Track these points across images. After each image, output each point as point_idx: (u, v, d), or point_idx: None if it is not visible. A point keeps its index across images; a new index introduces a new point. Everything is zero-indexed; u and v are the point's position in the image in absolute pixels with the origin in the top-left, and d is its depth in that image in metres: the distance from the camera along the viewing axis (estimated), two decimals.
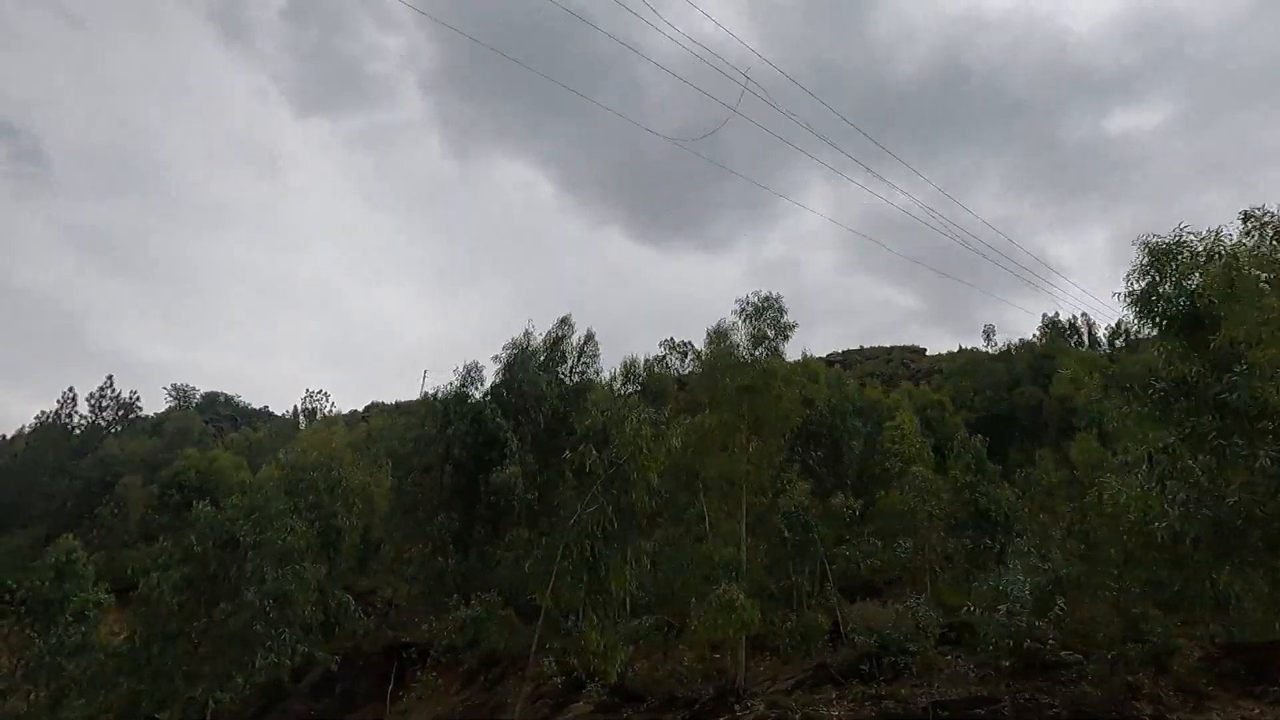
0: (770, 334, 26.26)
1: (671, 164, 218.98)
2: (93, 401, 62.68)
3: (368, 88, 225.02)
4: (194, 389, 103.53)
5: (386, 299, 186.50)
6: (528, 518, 31.32)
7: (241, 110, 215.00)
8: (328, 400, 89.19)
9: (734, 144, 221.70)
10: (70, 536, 30.81)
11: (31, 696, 24.97)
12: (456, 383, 36.92)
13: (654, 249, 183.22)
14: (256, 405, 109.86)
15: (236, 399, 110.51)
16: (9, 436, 75.73)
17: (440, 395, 36.96)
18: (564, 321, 38.10)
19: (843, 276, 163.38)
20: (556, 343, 38.02)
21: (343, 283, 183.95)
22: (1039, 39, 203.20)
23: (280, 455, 42.40)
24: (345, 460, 37.24)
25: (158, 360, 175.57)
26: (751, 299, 26.61)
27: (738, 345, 26.50)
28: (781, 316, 26.41)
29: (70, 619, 26.07)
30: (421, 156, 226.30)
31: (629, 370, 40.98)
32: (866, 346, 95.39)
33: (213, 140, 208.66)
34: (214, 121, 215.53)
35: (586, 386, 37.91)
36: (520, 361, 36.84)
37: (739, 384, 25.30)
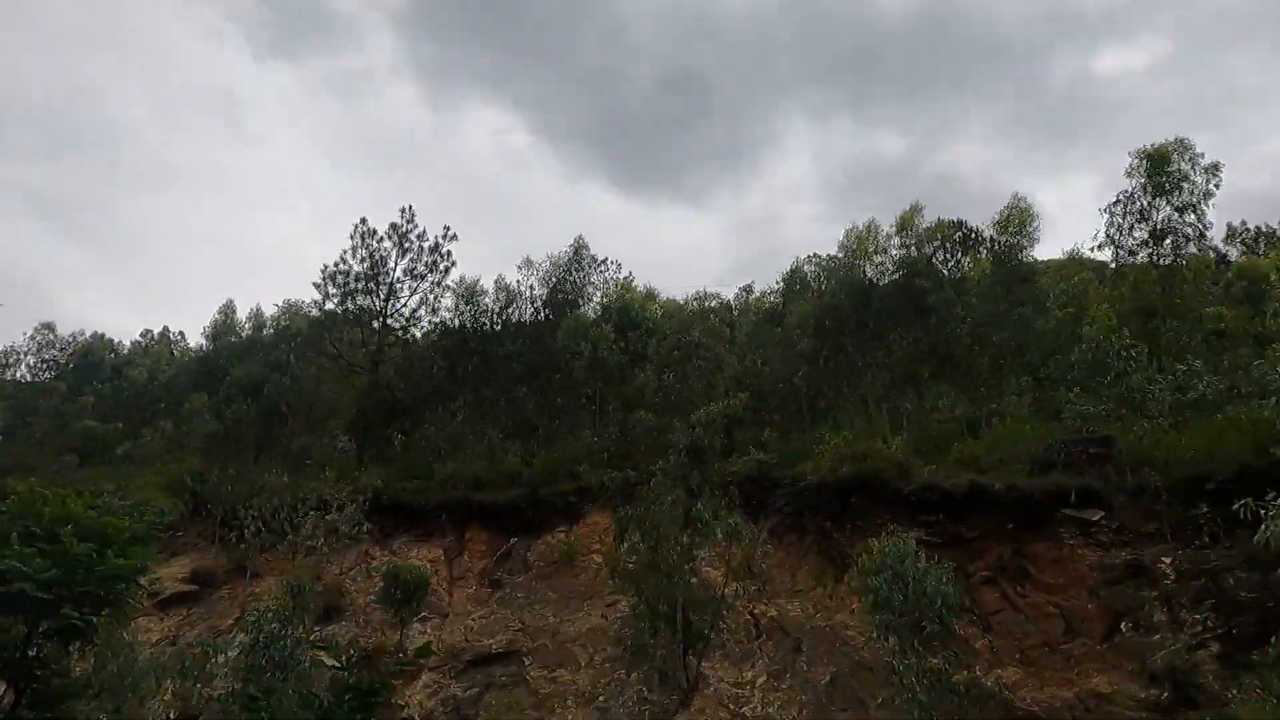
0: None
1: (650, 110, 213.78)
2: (393, 240, 39.46)
3: (333, 28, 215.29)
4: None
5: None
6: None
7: (197, 55, 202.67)
8: None
9: (715, 89, 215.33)
10: None
11: None
12: None
13: (633, 201, 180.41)
14: None
15: None
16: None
17: None
18: None
19: (824, 229, 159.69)
20: None
21: (306, 244, 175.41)
22: None
23: None
24: None
25: (122, 333, 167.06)
26: None
27: None
28: None
29: None
30: (390, 104, 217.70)
31: None
32: None
33: (165, 90, 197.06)
34: (167, 68, 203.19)
35: None
36: None
37: None
